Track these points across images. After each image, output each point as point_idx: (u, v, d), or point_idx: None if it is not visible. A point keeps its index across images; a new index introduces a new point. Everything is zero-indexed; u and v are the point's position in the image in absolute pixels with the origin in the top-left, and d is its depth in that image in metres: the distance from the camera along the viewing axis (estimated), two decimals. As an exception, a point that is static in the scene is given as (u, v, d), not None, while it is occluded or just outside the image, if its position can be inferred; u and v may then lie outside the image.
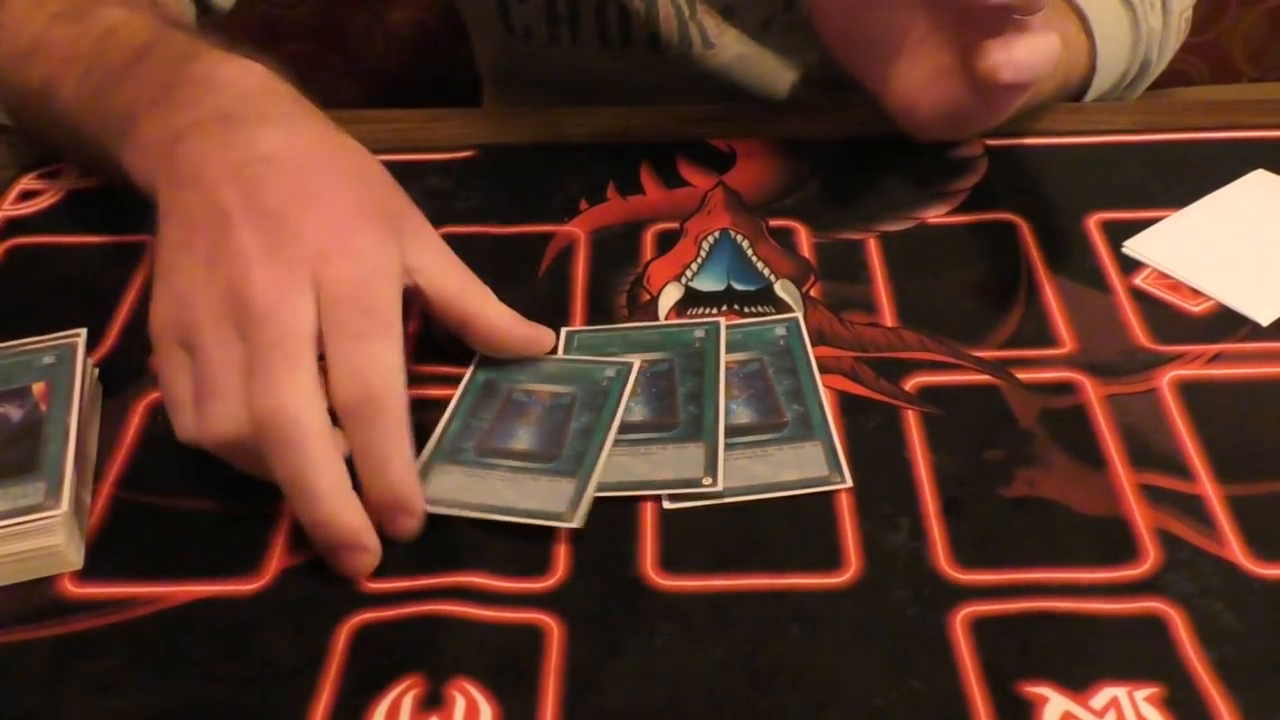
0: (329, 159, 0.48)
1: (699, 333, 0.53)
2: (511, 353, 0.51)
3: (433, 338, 0.54)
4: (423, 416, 0.50)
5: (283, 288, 0.43)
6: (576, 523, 0.45)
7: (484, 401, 0.50)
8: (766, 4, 0.73)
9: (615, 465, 0.47)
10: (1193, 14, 0.73)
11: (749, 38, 0.74)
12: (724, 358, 0.52)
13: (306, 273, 0.44)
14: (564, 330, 0.54)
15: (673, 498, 0.46)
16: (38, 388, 0.48)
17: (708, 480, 0.46)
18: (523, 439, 0.48)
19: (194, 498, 0.47)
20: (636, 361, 0.51)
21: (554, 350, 0.53)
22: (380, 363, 0.43)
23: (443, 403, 0.50)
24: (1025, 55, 0.51)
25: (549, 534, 0.45)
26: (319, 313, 0.43)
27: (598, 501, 0.46)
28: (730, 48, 0.74)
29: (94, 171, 0.62)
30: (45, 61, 0.57)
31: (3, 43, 0.60)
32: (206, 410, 0.43)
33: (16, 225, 0.61)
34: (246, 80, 0.50)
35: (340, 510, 0.43)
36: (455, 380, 0.51)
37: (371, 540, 0.44)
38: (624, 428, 0.49)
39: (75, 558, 0.45)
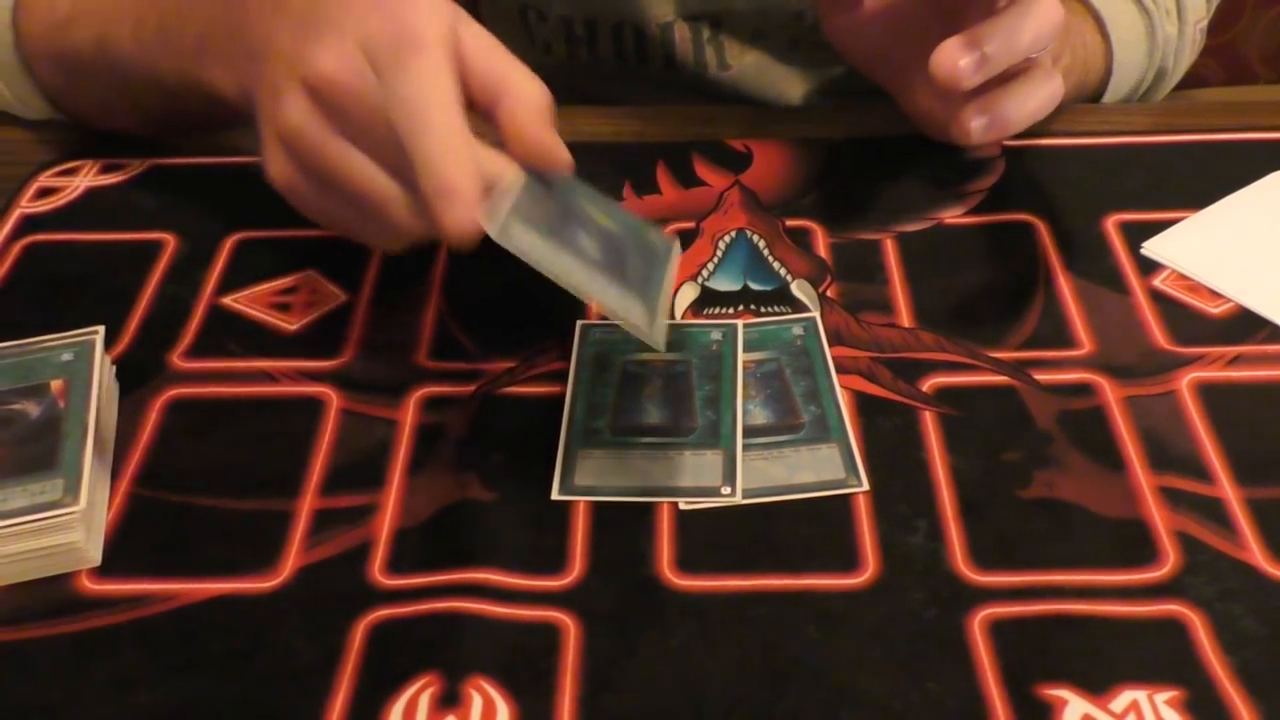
0: None
1: (716, 335, 0.53)
2: (529, 149, 0.46)
3: (447, 335, 0.54)
4: (441, 416, 0.50)
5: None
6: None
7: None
8: (795, 25, 0.73)
9: (632, 469, 0.47)
10: (1208, 25, 0.73)
11: (773, 58, 0.74)
12: (741, 362, 0.51)
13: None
14: (579, 324, 0.54)
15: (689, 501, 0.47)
16: (56, 384, 0.48)
17: (726, 489, 0.46)
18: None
19: (211, 495, 0.47)
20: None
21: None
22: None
23: (458, 399, 0.50)
24: (1016, 107, 0.56)
25: (565, 531, 0.45)
26: None
27: (611, 502, 0.46)
28: (751, 66, 0.75)
29: (152, 114, 0.63)
30: (92, 23, 0.59)
31: (36, 18, 0.62)
32: None
33: (34, 222, 0.61)
34: None
35: (447, 147, 0.42)
36: (469, 376, 0.51)
37: (468, 186, 0.42)
38: (640, 430, 0.49)
39: (93, 554, 0.45)
